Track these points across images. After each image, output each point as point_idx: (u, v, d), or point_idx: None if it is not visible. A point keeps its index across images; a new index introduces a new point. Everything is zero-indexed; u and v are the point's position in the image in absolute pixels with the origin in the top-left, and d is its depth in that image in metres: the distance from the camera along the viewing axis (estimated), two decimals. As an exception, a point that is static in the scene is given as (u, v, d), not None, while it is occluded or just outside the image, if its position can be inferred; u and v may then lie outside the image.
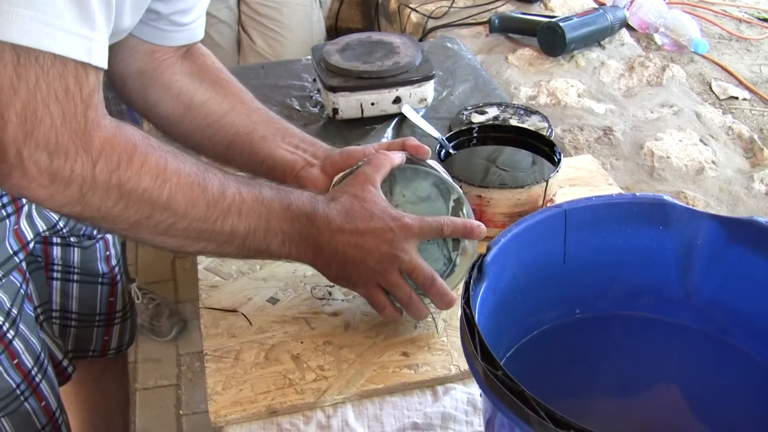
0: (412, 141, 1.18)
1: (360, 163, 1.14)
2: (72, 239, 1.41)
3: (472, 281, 0.76)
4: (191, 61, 1.27)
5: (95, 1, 0.85)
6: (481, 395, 0.75)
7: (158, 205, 0.93)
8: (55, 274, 1.43)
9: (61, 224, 1.32)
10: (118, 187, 0.89)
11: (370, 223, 1.04)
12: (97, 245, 1.47)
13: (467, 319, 0.71)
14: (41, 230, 1.28)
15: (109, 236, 1.49)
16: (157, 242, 1.00)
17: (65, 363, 1.41)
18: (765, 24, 2.64)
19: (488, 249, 0.79)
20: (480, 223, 1.08)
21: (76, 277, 1.46)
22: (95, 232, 1.44)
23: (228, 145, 1.22)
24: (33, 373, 1.25)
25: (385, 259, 1.04)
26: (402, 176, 1.14)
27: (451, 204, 1.13)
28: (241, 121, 1.24)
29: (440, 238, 1.10)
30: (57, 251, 1.41)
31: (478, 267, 0.77)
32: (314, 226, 1.03)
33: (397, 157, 1.12)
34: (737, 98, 2.18)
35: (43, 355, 1.28)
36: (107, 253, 1.49)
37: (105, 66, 0.88)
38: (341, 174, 1.15)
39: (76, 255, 1.44)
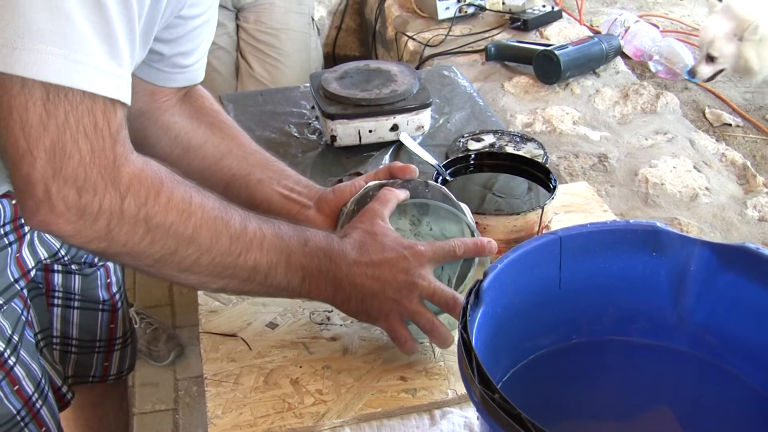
0: (397, 164, 1.20)
1: (368, 186, 1.17)
2: (73, 266, 1.41)
3: (469, 307, 0.77)
4: (190, 103, 1.28)
5: (122, 39, 0.86)
6: (478, 419, 0.76)
7: (184, 240, 0.94)
8: (55, 301, 1.43)
9: (62, 252, 1.33)
10: (146, 222, 0.90)
11: (383, 254, 1.05)
12: (98, 273, 1.47)
13: (464, 344, 0.72)
14: (43, 258, 1.29)
15: (110, 264, 1.50)
16: (181, 279, 1.00)
17: (64, 389, 1.42)
18: (758, 52, 2.66)
19: (485, 275, 0.81)
20: (490, 239, 1.09)
21: (76, 303, 1.46)
22: (96, 259, 1.45)
23: (225, 188, 1.23)
24: (33, 399, 1.25)
25: (404, 287, 1.04)
26: (435, 211, 1.15)
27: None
28: (238, 164, 1.25)
29: (453, 261, 1.11)
30: (58, 278, 1.42)
31: (475, 293, 0.79)
32: (332, 262, 1.04)
33: (402, 194, 1.14)
34: (731, 125, 2.20)
35: (43, 381, 1.28)
36: (108, 280, 1.50)
37: (129, 102, 0.89)
38: (351, 200, 1.17)
39: (76, 282, 1.45)
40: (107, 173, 0.86)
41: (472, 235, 1.13)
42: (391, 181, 1.18)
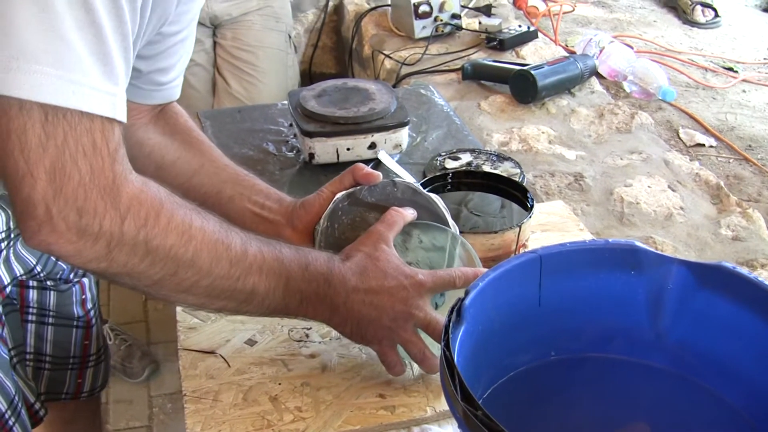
0: (361, 171, 1.19)
1: (337, 198, 1.17)
2: (48, 283, 1.41)
3: (451, 324, 0.78)
4: (165, 120, 1.27)
5: (117, 57, 0.86)
6: (459, 435, 0.76)
7: (183, 263, 0.94)
8: (30, 317, 1.43)
9: (38, 268, 1.33)
10: (145, 244, 0.90)
11: (384, 282, 1.05)
12: (74, 289, 1.47)
13: (447, 361, 0.73)
14: (18, 274, 1.28)
15: (85, 280, 1.49)
16: (179, 299, 1.01)
17: (37, 406, 1.41)
18: (730, 73, 2.70)
19: (466, 293, 0.81)
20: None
21: (51, 320, 1.45)
22: (72, 275, 1.44)
23: (199, 207, 1.23)
24: (6, 416, 1.24)
25: (400, 317, 1.05)
26: (425, 225, 1.16)
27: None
28: (210, 181, 1.25)
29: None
30: (33, 294, 1.41)
31: (457, 311, 0.79)
32: (330, 287, 1.05)
33: (410, 214, 1.14)
34: (704, 145, 2.23)
35: (17, 398, 1.27)
36: (83, 296, 1.49)
37: (125, 120, 0.89)
38: (323, 216, 1.17)
39: (51, 298, 1.44)
40: (107, 194, 0.86)
41: (455, 241, 1.15)
42: (358, 188, 1.18)
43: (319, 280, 1.04)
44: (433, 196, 1.18)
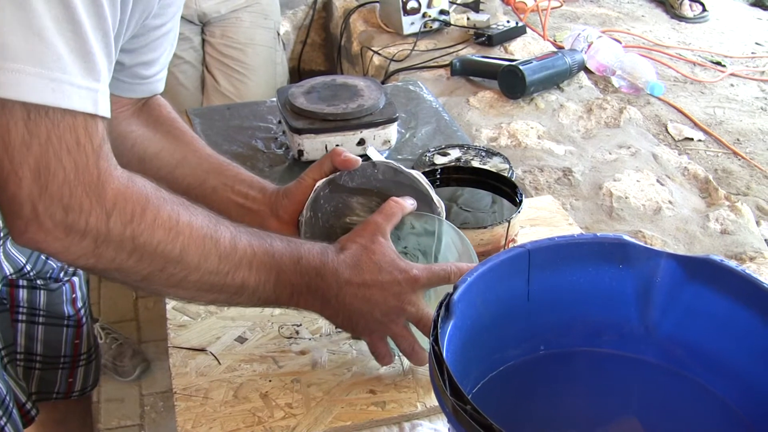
0: (340, 156, 1.18)
1: (317, 187, 1.17)
2: (38, 282, 1.40)
3: (440, 319, 0.78)
4: (147, 113, 1.27)
5: (98, 53, 0.86)
6: (449, 430, 0.76)
7: (171, 259, 0.94)
8: (20, 317, 1.42)
9: (28, 267, 1.32)
10: (132, 240, 0.90)
11: (377, 276, 1.05)
12: (64, 288, 1.46)
13: (436, 356, 0.73)
14: (8, 273, 1.28)
15: (75, 279, 1.49)
16: (170, 293, 1.01)
17: (29, 405, 1.41)
18: (718, 67, 2.71)
19: (455, 288, 0.81)
20: None
21: (41, 319, 1.45)
22: (62, 274, 1.44)
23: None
24: (-2, 416, 1.24)
25: (392, 311, 1.05)
26: (417, 213, 1.16)
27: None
28: (192, 172, 1.24)
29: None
30: (23, 294, 1.41)
31: (446, 305, 0.79)
32: (323, 280, 1.05)
33: (409, 205, 1.14)
34: (692, 139, 2.23)
35: (8, 398, 1.27)
36: (73, 295, 1.49)
37: (109, 115, 0.89)
38: (306, 206, 1.17)
39: (42, 297, 1.44)
40: (92, 190, 0.86)
41: (441, 223, 1.16)
42: (338, 174, 1.18)
43: (311, 274, 1.04)
44: (414, 173, 1.18)
